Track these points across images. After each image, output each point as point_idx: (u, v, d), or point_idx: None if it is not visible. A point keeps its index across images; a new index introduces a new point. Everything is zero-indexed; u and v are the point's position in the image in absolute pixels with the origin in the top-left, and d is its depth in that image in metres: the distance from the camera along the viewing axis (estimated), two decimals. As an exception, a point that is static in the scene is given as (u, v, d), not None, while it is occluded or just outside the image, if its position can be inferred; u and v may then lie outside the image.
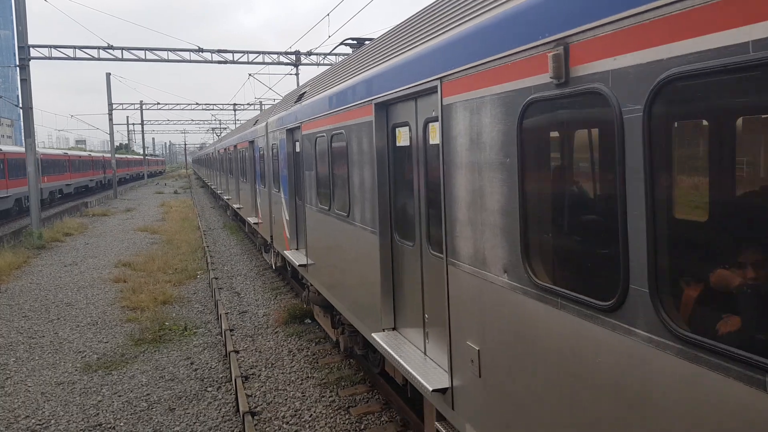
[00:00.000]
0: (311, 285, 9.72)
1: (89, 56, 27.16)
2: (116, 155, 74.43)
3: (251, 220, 17.18)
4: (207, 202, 43.67)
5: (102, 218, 32.72)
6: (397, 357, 5.35)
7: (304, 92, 10.23)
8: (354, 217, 6.90)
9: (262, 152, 14.62)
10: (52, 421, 7.58)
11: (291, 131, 10.62)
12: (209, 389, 8.52)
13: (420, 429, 6.59)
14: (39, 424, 7.51)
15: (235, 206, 22.52)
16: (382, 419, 7.28)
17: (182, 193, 55.64)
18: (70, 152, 53.25)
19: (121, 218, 32.66)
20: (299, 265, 9.75)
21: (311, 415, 7.48)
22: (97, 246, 22.44)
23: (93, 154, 65.99)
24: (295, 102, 10.37)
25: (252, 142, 16.79)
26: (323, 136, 7.99)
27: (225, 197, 28.47)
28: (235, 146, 22.01)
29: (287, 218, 11.23)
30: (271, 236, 13.72)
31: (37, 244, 21.78)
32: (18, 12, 22.48)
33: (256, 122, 17.15)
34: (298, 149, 10.00)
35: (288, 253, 10.87)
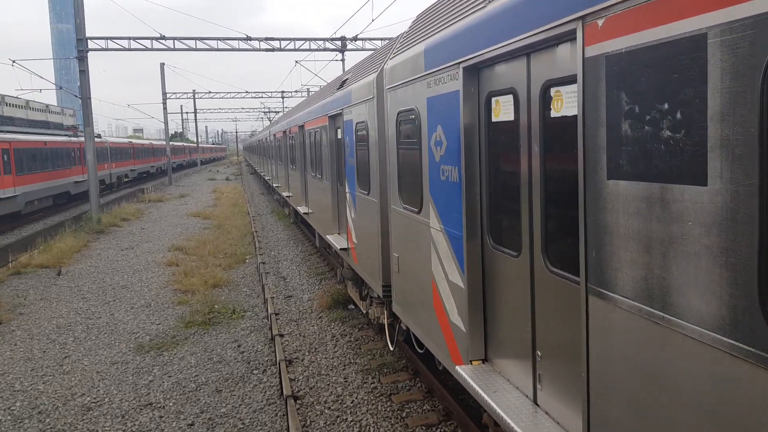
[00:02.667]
0: None
1: (143, 47, 27.89)
2: (175, 143, 77.77)
3: (334, 242, 10.99)
4: (256, 188, 44.46)
5: (157, 204, 33.78)
6: None
7: None
8: None
9: (362, 132, 8.56)
10: (106, 399, 7.90)
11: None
12: (255, 372, 8.69)
13: (462, 420, 6.54)
14: (93, 402, 7.83)
15: (301, 210, 16.42)
16: (425, 408, 7.25)
17: (233, 179, 56.83)
18: (136, 141, 61.26)
19: (176, 204, 33.64)
20: None
21: (353, 401, 7.53)
22: (152, 231, 23.19)
23: (153, 142, 68.80)
24: None
25: (335, 118, 11.11)
26: None
27: (284, 194, 22.47)
28: (301, 126, 15.91)
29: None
30: (393, 299, 7.48)
31: (96, 229, 22.71)
32: (76, 5, 23.27)
33: (342, 84, 11.08)
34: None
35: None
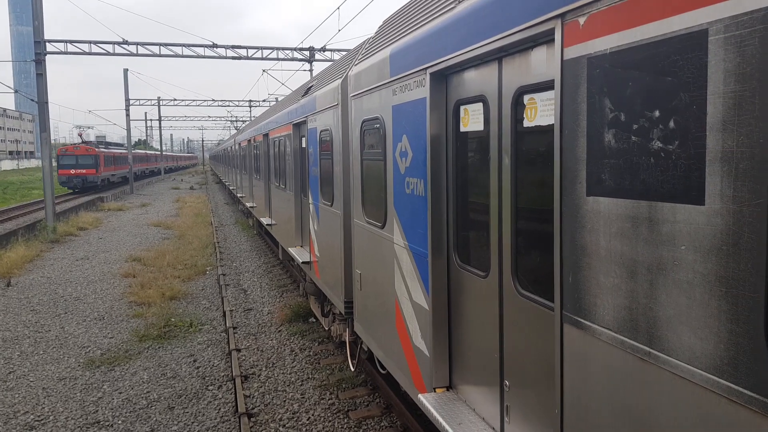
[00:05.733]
0: None
1: (104, 51, 27.30)
2: (149, 151, 77.26)
3: (297, 255, 10.56)
4: (221, 199, 43.82)
5: (117, 213, 32.95)
6: None
7: None
8: None
9: (327, 140, 8.22)
10: (51, 417, 7.55)
11: None
12: (210, 388, 8.44)
13: (418, 435, 6.43)
14: (37, 420, 7.48)
15: (265, 221, 15.77)
16: (382, 424, 7.13)
17: (198, 188, 55.94)
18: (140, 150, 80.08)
19: (136, 213, 32.86)
20: None
21: (309, 418, 7.36)
22: (110, 240, 22.56)
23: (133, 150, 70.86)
24: None
25: (299, 126, 10.71)
26: None
27: (247, 204, 21.82)
28: (266, 135, 15.39)
29: None
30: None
31: (51, 238, 21.96)
32: (34, 7, 22.65)
33: (307, 91, 10.50)
34: None
35: None
